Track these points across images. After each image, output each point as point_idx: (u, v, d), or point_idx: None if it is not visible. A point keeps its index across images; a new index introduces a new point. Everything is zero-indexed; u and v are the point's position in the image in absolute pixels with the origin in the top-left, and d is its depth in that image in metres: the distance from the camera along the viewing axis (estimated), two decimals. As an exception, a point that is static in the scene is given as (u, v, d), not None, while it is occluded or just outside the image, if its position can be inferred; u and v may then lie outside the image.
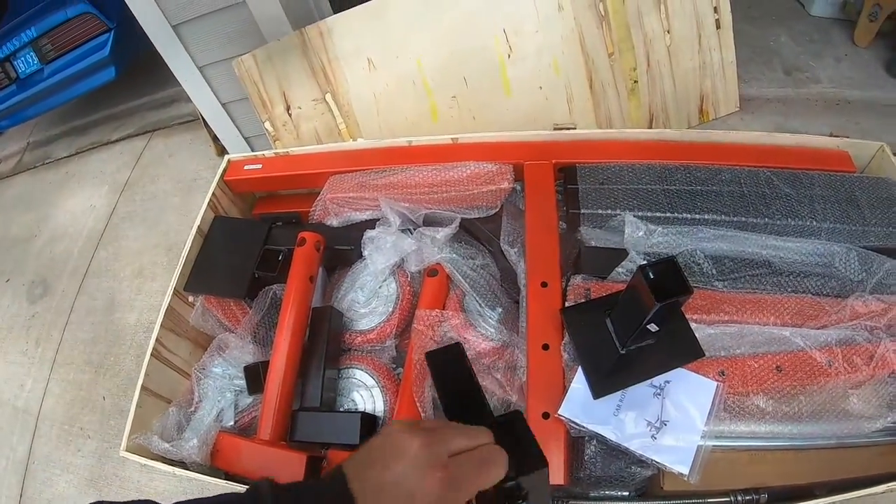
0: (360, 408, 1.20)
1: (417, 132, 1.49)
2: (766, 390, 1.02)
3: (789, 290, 1.17)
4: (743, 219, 1.25)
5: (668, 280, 0.82)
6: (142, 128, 3.27)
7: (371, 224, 1.33)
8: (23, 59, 3.19)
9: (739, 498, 1.00)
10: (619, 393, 0.97)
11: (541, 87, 1.90)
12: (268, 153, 1.48)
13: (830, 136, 1.95)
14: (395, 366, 1.26)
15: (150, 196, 2.92)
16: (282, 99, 1.77)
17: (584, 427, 0.95)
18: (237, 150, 2.24)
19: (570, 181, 1.28)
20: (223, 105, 2.06)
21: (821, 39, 3.05)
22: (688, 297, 0.82)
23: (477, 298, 1.20)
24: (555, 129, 1.37)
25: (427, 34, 1.74)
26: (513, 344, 1.13)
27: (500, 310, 1.19)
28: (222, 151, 2.78)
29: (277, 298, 1.32)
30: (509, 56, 1.83)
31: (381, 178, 1.35)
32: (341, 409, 1.20)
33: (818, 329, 1.09)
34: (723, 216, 1.24)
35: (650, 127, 2.23)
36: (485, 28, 1.77)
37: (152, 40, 1.93)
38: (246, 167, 1.48)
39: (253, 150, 2.22)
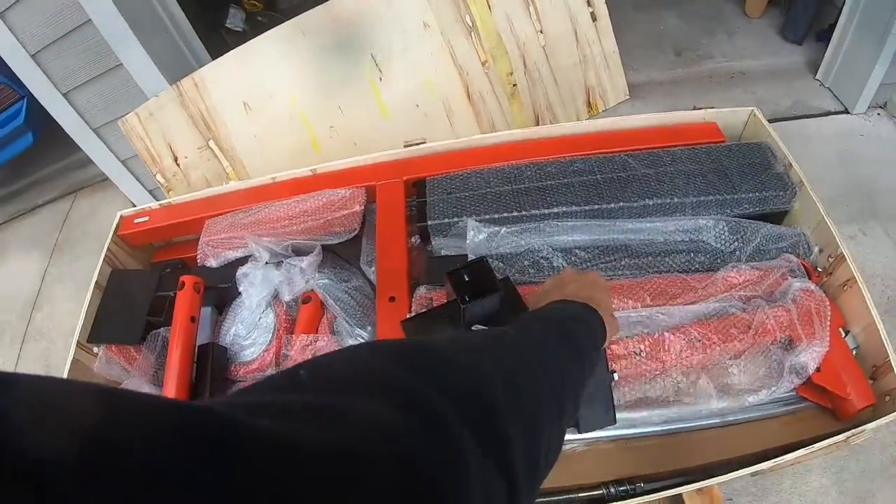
0: None
1: (303, 164, 1.57)
2: (625, 377, 1.04)
3: (652, 271, 1.19)
4: (597, 206, 1.28)
5: (481, 280, 0.85)
6: (66, 189, 3.32)
7: (245, 261, 1.42)
8: None
9: (612, 489, 1.01)
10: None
11: (417, 105, 1.98)
12: (154, 205, 1.59)
13: (693, 109, 1.98)
14: (278, 392, 1.35)
15: (77, 256, 2.99)
16: (168, 151, 1.86)
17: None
18: (143, 203, 2.30)
19: (420, 195, 1.36)
20: (122, 162, 2.16)
21: (713, 16, 3.15)
22: (496, 295, 0.84)
23: (346, 319, 1.27)
24: (405, 146, 1.47)
25: (296, 70, 1.82)
26: None
27: (370, 328, 1.25)
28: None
29: (166, 340, 1.41)
30: (380, 79, 1.91)
31: (249, 217, 1.46)
32: None
33: (687, 305, 1.09)
34: (574, 207, 1.28)
35: (536, 125, 2.28)
36: (352, 56, 1.85)
37: (47, 108, 2.02)
38: (136, 221, 1.59)
39: (158, 201, 2.30)
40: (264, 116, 1.84)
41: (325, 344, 1.27)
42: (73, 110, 2.00)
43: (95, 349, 1.48)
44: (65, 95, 1.97)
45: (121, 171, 2.22)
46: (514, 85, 2.20)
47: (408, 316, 1.15)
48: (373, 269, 1.33)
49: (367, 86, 1.91)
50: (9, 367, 2.77)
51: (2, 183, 3.74)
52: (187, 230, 1.57)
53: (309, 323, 1.31)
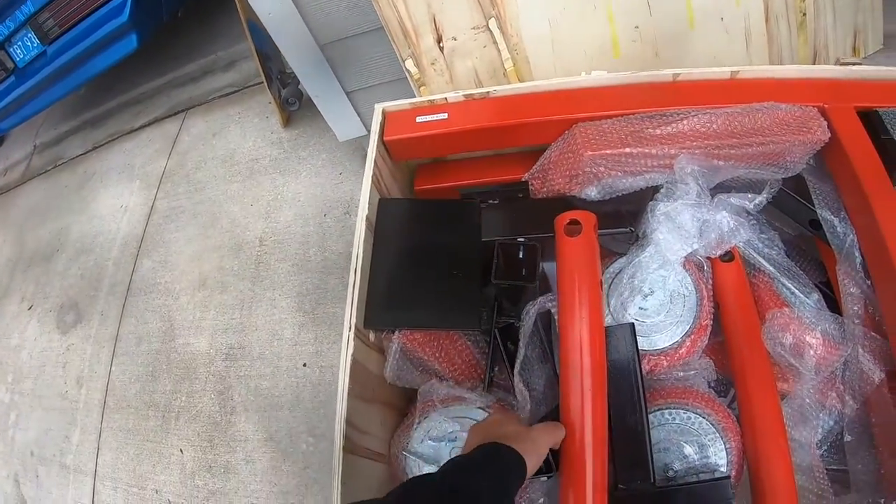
0: (696, 466, 0.82)
1: (600, 69, 1.10)
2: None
3: None
4: None
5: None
6: (171, 108, 2.77)
7: (645, 194, 0.94)
8: (20, 43, 2.66)
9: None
10: None
11: (722, 19, 1.61)
12: (451, 96, 1.03)
13: None
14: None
15: (197, 186, 2.42)
16: (431, 27, 1.32)
17: None
18: (335, 113, 1.73)
19: (875, 130, 0.97)
20: (321, 47, 1.56)
21: None
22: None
23: (787, 284, 0.93)
24: (840, 63, 1.13)
25: None
26: (851, 338, 0.86)
27: (815, 295, 0.92)
28: (289, 120, 2.33)
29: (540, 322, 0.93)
30: None
31: (661, 126, 0.93)
32: (670, 475, 0.82)
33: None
34: None
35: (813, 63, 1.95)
36: None
37: None
38: (419, 119, 1.03)
39: (357, 110, 1.72)
40: (565, -4, 1.31)
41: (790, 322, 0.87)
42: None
43: (373, 336, 0.91)
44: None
45: (315, 63, 1.56)
46: (804, 14, 1.86)
47: None
48: (838, 218, 0.91)
49: (682, -19, 1.46)
50: (111, 325, 2.25)
51: (89, 104, 3.25)
52: (514, 139, 1.04)
53: (742, 290, 0.92)
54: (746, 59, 1.69)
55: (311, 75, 1.62)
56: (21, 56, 2.69)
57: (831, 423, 0.87)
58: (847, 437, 0.85)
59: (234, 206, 2.26)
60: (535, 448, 0.73)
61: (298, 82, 2.01)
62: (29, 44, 2.64)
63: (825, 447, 0.87)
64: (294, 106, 2.27)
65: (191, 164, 2.49)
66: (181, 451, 1.84)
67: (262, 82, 2.18)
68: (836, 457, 0.87)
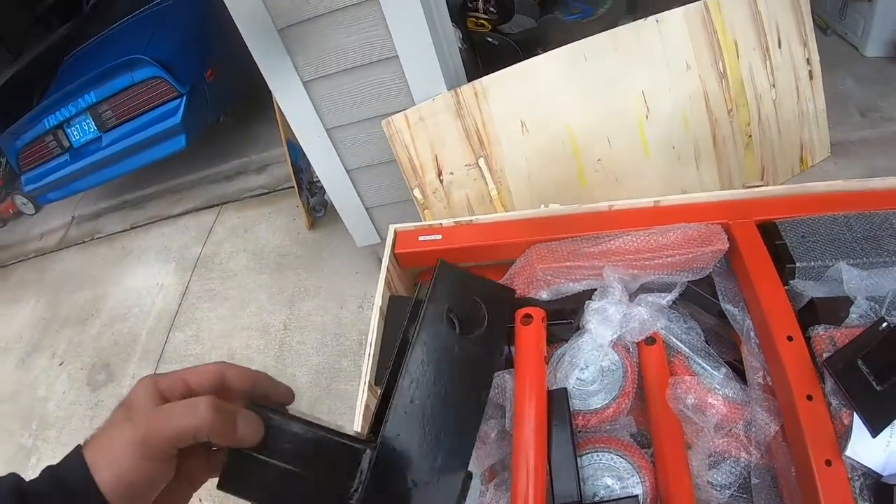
0: (617, 494, 1.07)
1: (566, 198, 1.45)
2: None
3: None
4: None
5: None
6: (207, 201, 3.12)
7: (584, 295, 1.24)
8: (78, 126, 3.04)
9: None
10: (887, 430, 0.95)
11: (674, 147, 1.89)
12: (445, 222, 1.38)
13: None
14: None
15: (229, 273, 2.75)
16: (434, 164, 1.68)
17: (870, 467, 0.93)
18: (355, 223, 2.11)
19: (772, 237, 1.25)
20: (348, 172, 1.95)
21: (880, 79, 3.09)
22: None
23: (699, 361, 1.16)
24: (745, 187, 1.44)
25: (575, 96, 1.71)
26: (752, 401, 1.08)
27: (724, 369, 1.14)
28: (314, 224, 2.68)
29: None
30: (647, 116, 1.81)
31: (595, 246, 1.26)
32: (597, 500, 1.07)
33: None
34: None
35: (761, 178, 2.23)
36: (625, 89, 1.76)
37: (287, 113, 1.82)
38: (421, 238, 1.37)
39: (373, 222, 2.09)
40: (539, 140, 1.69)
41: (702, 389, 1.11)
42: (311, 107, 1.75)
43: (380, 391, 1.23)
44: (305, 84, 1.74)
45: (342, 182, 1.96)
46: (750, 136, 2.19)
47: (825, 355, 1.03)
48: (737, 308, 1.20)
49: (635, 122, 1.81)
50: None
51: (130, 188, 3.60)
52: (488, 255, 1.37)
53: (661, 365, 1.19)
54: (698, 180, 1.96)
55: (338, 192, 1.99)
56: (77, 138, 3.08)
57: (739, 468, 1.07)
58: (754, 480, 1.06)
59: (262, 293, 2.57)
60: (108, 452, 0.53)
61: (325, 193, 2.40)
62: (86, 128, 3.02)
63: (734, 489, 1.07)
64: (320, 213, 2.64)
65: (224, 254, 2.83)
66: (200, 500, 2.06)
67: (292, 187, 2.54)
68: (745, 496, 1.08)
